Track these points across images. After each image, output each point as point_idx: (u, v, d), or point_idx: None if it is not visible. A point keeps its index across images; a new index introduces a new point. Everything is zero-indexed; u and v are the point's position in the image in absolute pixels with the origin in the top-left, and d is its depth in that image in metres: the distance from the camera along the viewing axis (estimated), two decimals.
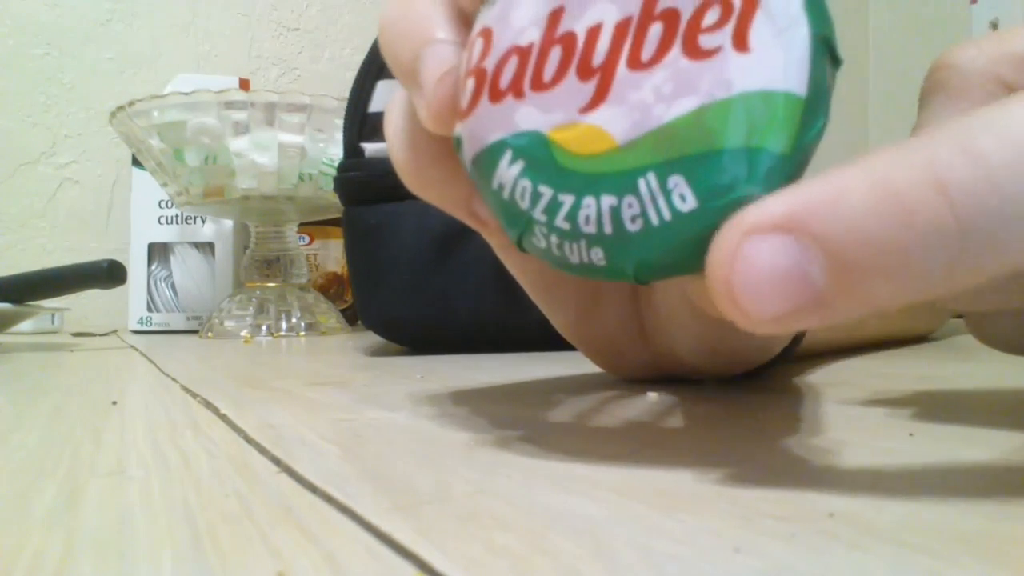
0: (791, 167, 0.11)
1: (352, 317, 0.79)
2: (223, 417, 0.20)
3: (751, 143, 0.11)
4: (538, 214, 0.13)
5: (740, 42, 0.11)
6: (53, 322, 0.78)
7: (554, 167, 0.12)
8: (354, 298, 0.45)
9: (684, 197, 0.11)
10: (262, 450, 0.16)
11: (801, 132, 0.11)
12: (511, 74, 0.13)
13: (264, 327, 0.63)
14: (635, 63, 0.12)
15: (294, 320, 0.65)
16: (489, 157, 0.13)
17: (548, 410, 0.20)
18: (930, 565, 0.08)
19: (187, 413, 0.21)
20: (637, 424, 0.18)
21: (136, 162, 0.75)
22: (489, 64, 0.13)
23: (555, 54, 0.12)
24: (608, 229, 0.12)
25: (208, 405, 0.22)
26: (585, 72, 0.12)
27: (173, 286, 0.78)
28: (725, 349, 0.22)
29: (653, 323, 0.22)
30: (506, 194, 0.13)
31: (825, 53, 0.11)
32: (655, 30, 0.12)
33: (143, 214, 0.77)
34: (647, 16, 0.12)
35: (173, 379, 0.30)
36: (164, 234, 0.77)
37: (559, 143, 0.12)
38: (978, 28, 1.22)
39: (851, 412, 0.19)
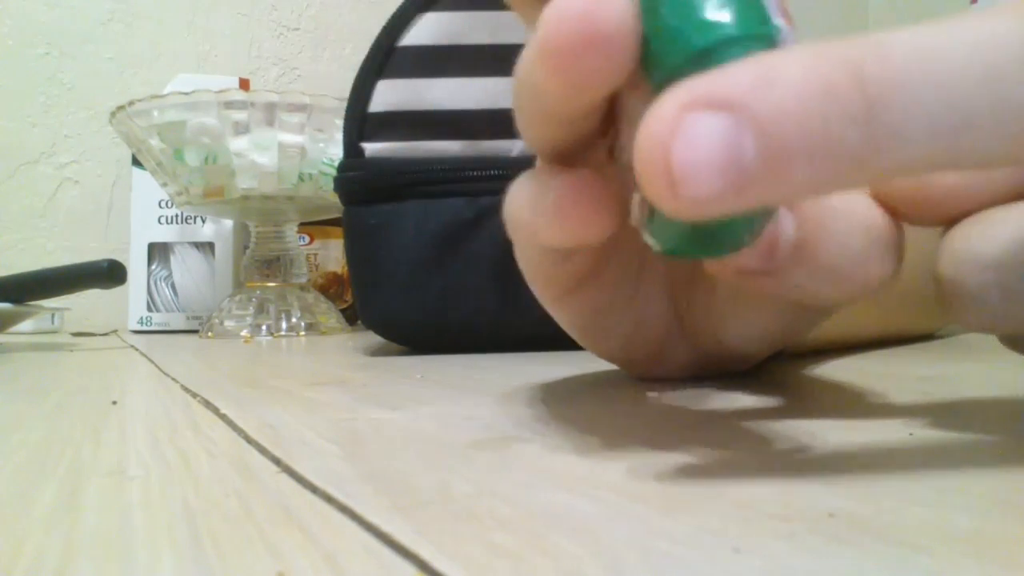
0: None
1: (352, 317, 0.79)
2: (223, 417, 0.20)
3: None
4: None
5: None
6: (53, 322, 0.78)
7: None
8: (354, 298, 0.45)
9: None
10: (262, 450, 0.16)
11: None
12: None
13: (264, 327, 0.63)
14: None
15: (294, 320, 0.65)
16: None
17: (548, 410, 0.20)
18: (930, 565, 0.08)
19: (187, 413, 0.21)
20: (637, 424, 0.18)
21: (136, 162, 0.75)
22: None
23: None
24: None
25: (208, 405, 0.22)
26: None
27: (173, 286, 0.78)
28: (777, 328, 0.21)
29: (699, 319, 0.22)
30: None
31: None
32: None
33: (143, 214, 0.77)
34: None
35: (173, 379, 0.30)
36: (164, 234, 0.77)
37: None
38: None
39: (851, 412, 0.19)
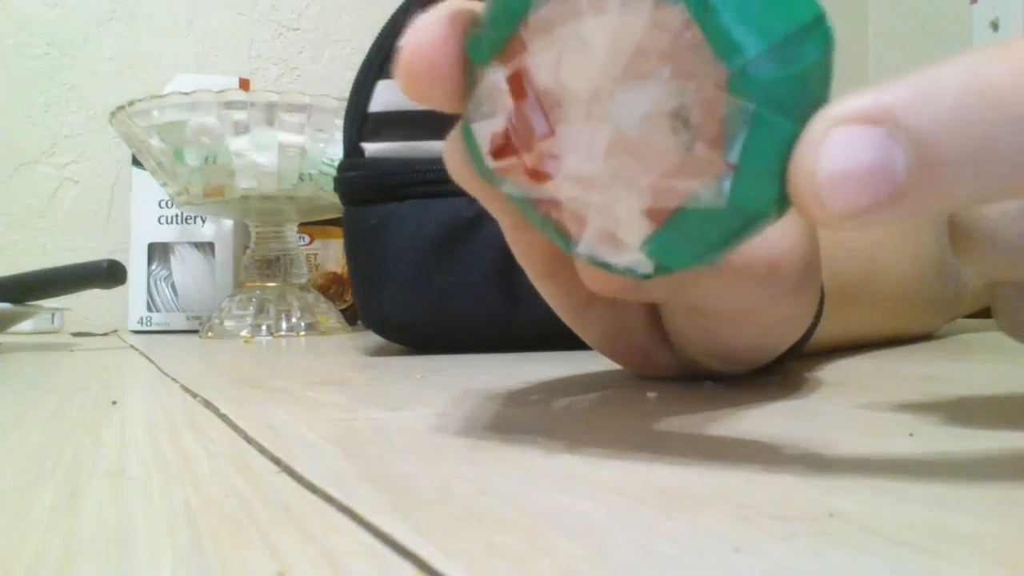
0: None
1: (352, 317, 0.79)
2: (223, 417, 0.20)
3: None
4: None
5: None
6: (53, 322, 0.78)
7: None
8: (354, 298, 0.45)
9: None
10: (262, 450, 0.16)
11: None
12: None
13: (264, 327, 0.63)
14: None
15: (294, 320, 0.65)
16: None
17: (548, 410, 0.20)
18: (930, 565, 0.08)
19: (187, 413, 0.21)
20: (637, 424, 0.18)
21: (136, 162, 0.75)
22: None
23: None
24: None
25: (208, 405, 0.22)
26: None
27: (173, 286, 0.78)
28: (724, 352, 0.22)
29: (671, 332, 0.23)
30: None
31: None
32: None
33: (143, 214, 0.77)
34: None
35: (173, 379, 0.30)
36: (164, 234, 0.77)
37: None
38: (978, 28, 1.22)
39: (851, 412, 0.19)
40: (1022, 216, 0.15)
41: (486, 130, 0.14)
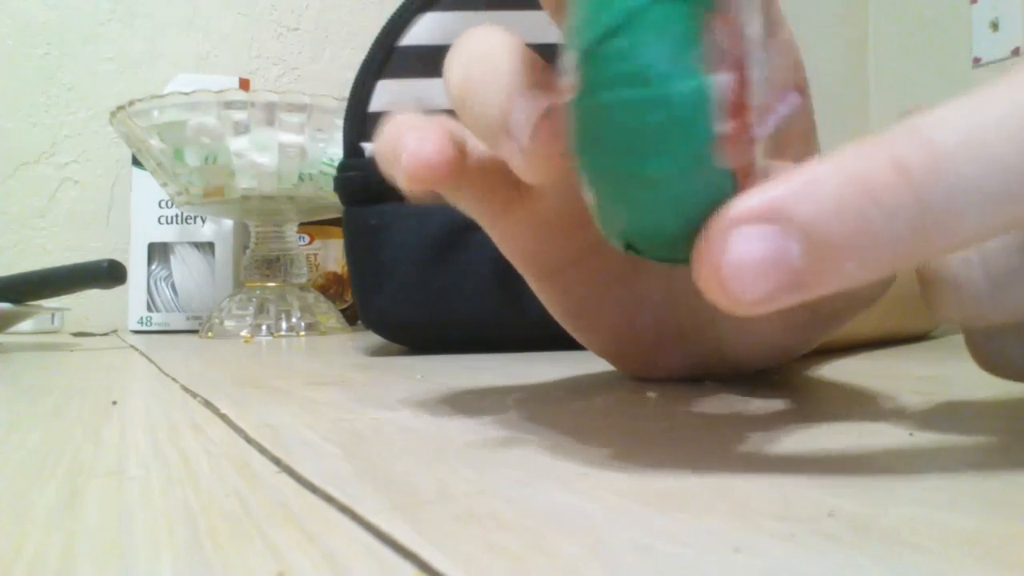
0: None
1: (352, 317, 0.79)
2: (223, 417, 0.20)
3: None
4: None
5: None
6: (53, 322, 0.78)
7: None
8: (354, 298, 0.45)
9: None
10: (262, 450, 0.16)
11: None
12: None
13: (264, 327, 0.63)
14: None
15: (294, 320, 0.65)
16: None
17: (548, 410, 0.20)
18: (930, 565, 0.08)
19: (187, 413, 0.21)
20: (637, 424, 0.18)
21: (136, 162, 0.75)
22: None
23: None
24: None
25: (208, 405, 0.22)
26: None
27: (173, 286, 0.78)
28: (782, 341, 0.22)
29: (703, 326, 0.23)
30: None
31: None
32: None
33: (143, 214, 0.77)
34: None
35: (173, 379, 0.30)
36: (164, 234, 0.77)
37: None
38: (978, 28, 1.22)
39: (851, 412, 0.19)
40: (981, 264, 0.15)
41: (720, 86, 0.12)
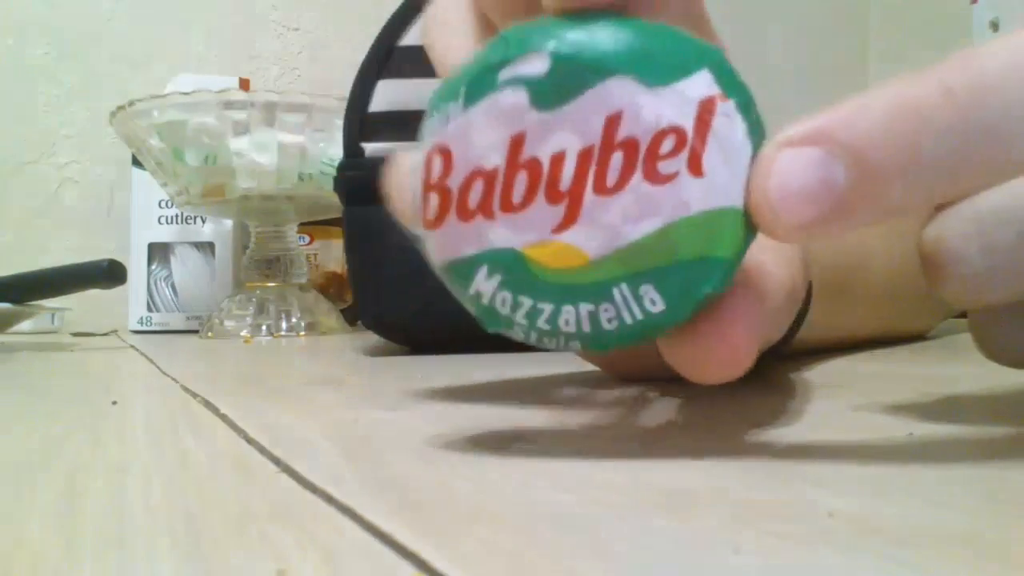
0: (737, 264, 0.13)
1: (352, 317, 0.79)
2: (223, 417, 0.20)
3: (706, 253, 0.13)
4: (519, 318, 0.14)
5: (695, 168, 0.12)
6: (53, 322, 0.78)
7: (531, 280, 0.13)
8: (354, 298, 0.45)
9: (654, 301, 0.13)
10: (262, 450, 0.16)
11: (744, 239, 0.13)
12: (479, 195, 0.13)
13: (264, 327, 0.63)
14: (601, 188, 0.13)
15: (294, 320, 0.65)
16: (464, 268, 0.14)
17: (548, 410, 0.20)
18: (930, 565, 0.08)
19: (187, 413, 0.21)
20: (637, 424, 0.18)
21: (136, 162, 0.75)
22: (453, 184, 0.13)
23: (521, 178, 0.13)
24: (586, 328, 0.13)
25: (208, 405, 0.22)
26: (553, 196, 0.13)
27: (173, 286, 0.77)
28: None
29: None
30: (485, 301, 0.14)
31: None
32: (617, 158, 0.13)
33: (143, 214, 0.77)
34: (608, 145, 0.13)
35: (173, 379, 0.30)
36: (164, 234, 0.77)
37: (535, 259, 0.13)
38: (978, 28, 1.22)
39: (851, 412, 0.19)
40: (979, 237, 0.15)
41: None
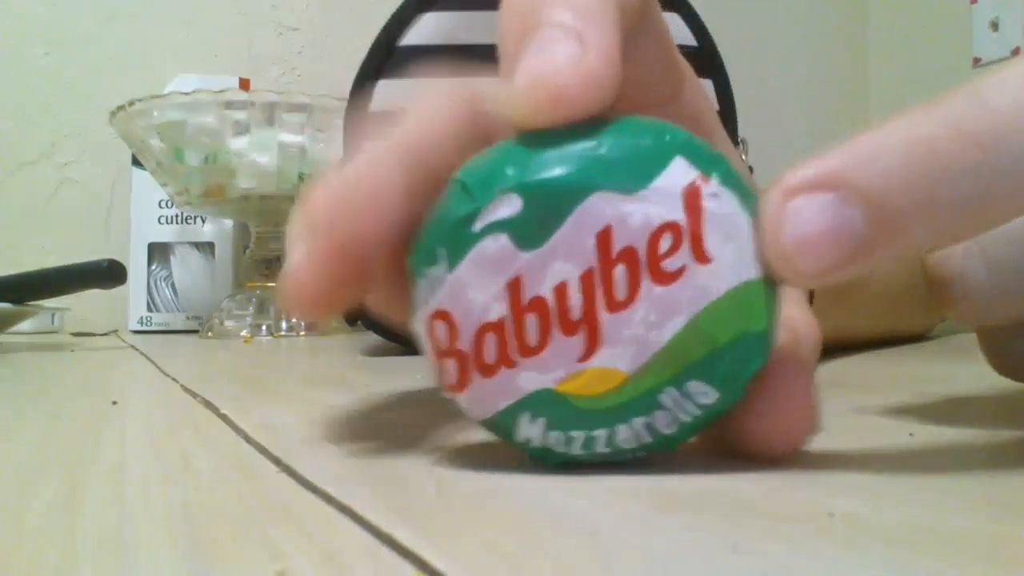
0: (775, 329, 0.13)
1: (352, 317, 0.79)
2: (223, 417, 0.20)
3: (743, 330, 0.12)
4: (576, 450, 0.13)
5: (700, 256, 0.12)
6: (53, 322, 0.78)
7: (575, 412, 0.13)
8: None
9: (706, 393, 0.13)
10: (262, 450, 0.16)
11: (772, 303, 0.13)
12: (494, 349, 0.13)
13: (264, 327, 0.63)
14: (614, 306, 0.12)
15: (294, 320, 0.65)
16: (505, 420, 0.13)
17: None
18: (930, 565, 0.08)
19: (187, 413, 0.21)
20: None
21: (136, 162, 0.75)
22: (464, 345, 0.13)
23: (531, 320, 0.13)
24: (647, 439, 0.13)
25: (208, 405, 0.22)
26: (569, 328, 0.13)
27: (173, 286, 0.77)
28: None
29: None
30: (537, 443, 0.13)
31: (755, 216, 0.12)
32: (620, 271, 0.12)
33: (143, 214, 0.77)
34: (607, 262, 0.12)
35: (173, 379, 0.30)
36: (164, 234, 0.77)
37: (570, 392, 0.13)
38: (978, 28, 1.22)
39: (850, 412, 0.19)
40: (982, 255, 0.15)
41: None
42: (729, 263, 0.12)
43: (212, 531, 0.10)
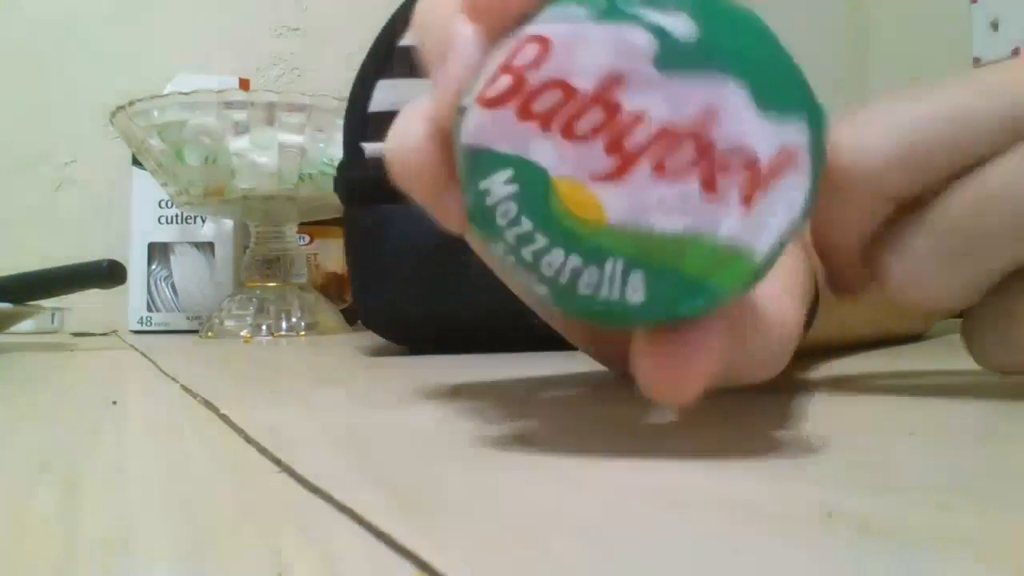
0: (723, 303, 0.13)
1: (352, 317, 0.79)
2: (223, 417, 0.20)
3: (705, 277, 0.13)
4: (509, 236, 0.13)
5: (746, 200, 0.12)
6: (53, 322, 0.78)
7: (545, 209, 0.13)
8: (354, 298, 0.45)
9: (636, 291, 0.13)
10: (262, 450, 0.16)
11: (744, 285, 0.13)
12: (548, 104, 0.13)
13: (264, 327, 0.63)
14: (659, 168, 0.12)
15: (294, 320, 0.65)
16: (489, 159, 0.13)
17: (548, 410, 0.20)
18: (930, 565, 0.08)
19: (187, 413, 0.21)
20: (637, 424, 0.18)
21: (136, 162, 0.75)
22: (533, 78, 0.13)
23: (596, 114, 0.13)
24: (563, 280, 0.13)
25: (208, 405, 0.22)
26: (613, 147, 0.13)
27: (173, 286, 0.77)
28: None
29: None
30: (488, 201, 0.13)
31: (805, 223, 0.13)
32: (688, 149, 0.12)
33: (143, 214, 0.77)
34: (689, 134, 0.12)
35: (173, 379, 0.30)
36: (164, 234, 0.77)
37: (560, 193, 0.13)
38: (978, 28, 1.22)
39: (850, 411, 0.19)
40: (896, 242, 0.17)
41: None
42: (756, 228, 0.12)
43: (212, 531, 0.10)
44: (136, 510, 0.12)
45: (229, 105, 0.59)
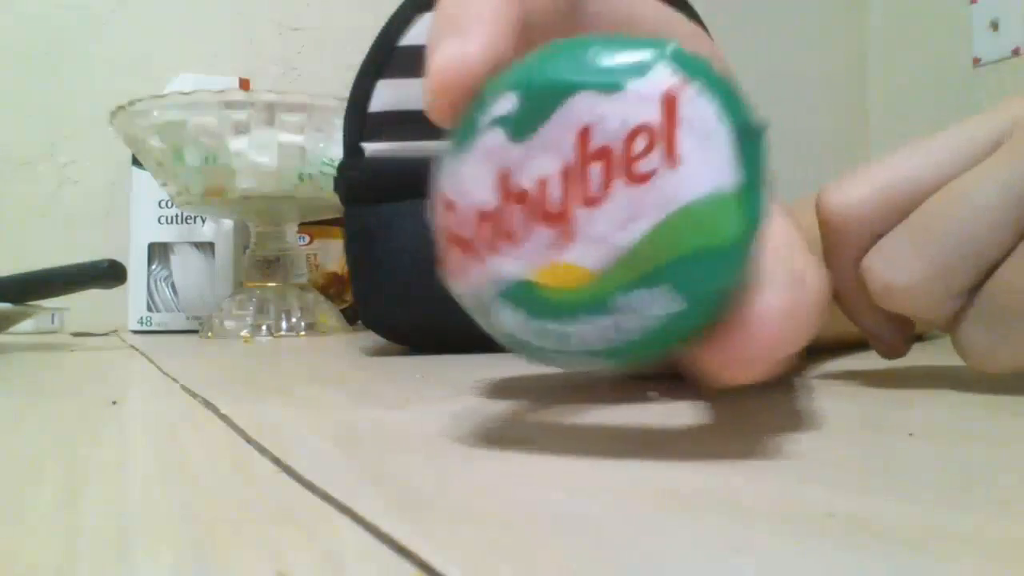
0: (746, 252, 0.13)
1: (352, 317, 0.79)
2: (223, 417, 0.20)
3: (706, 244, 0.12)
4: (551, 344, 0.14)
5: (671, 160, 0.12)
6: (53, 322, 0.78)
7: (548, 305, 0.13)
8: (354, 298, 0.45)
9: (673, 301, 0.13)
10: (262, 450, 0.16)
11: (747, 212, 0.12)
12: (487, 235, 0.14)
13: (264, 327, 0.63)
14: (587, 201, 0.13)
15: (294, 320, 0.65)
16: (492, 308, 0.14)
17: (548, 410, 0.20)
18: (930, 565, 0.08)
19: (187, 413, 0.21)
20: (637, 424, 0.18)
21: (136, 162, 0.75)
22: (463, 231, 0.14)
23: (516, 210, 0.13)
24: (615, 340, 0.13)
25: (208, 405, 0.22)
26: (547, 219, 0.13)
27: (173, 286, 0.77)
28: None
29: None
30: (519, 336, 0.14)
31: (748, 135, 0.13)
32: (595, 169, 0.13)
33: (143, 214, 0.77)
34: (584, 159, 0.13)
35: (173, 379, 0.30)
36: (164, 234, 0.77)
37: (543, 283, 0.13)
38: (978, 28, 1.22)
39: (851, 411, 0.19)
40: (877, 251, 0.21)
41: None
42: (700, 171, 0.12)
43: (212, 531, 0.10)
44: (136, 510, 0.12)
45: (229, 105, 0.59)
